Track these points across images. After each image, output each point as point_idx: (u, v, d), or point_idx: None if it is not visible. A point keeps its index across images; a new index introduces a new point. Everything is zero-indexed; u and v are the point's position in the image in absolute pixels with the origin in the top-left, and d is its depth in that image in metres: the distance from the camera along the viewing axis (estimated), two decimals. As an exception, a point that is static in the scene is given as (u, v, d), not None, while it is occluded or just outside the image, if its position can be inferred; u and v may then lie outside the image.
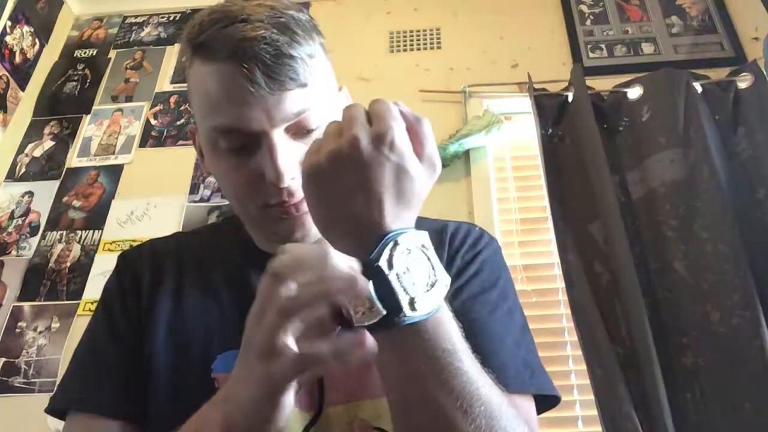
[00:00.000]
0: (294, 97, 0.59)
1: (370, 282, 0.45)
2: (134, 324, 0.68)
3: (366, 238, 0.48)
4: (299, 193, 0.61)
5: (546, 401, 0.66)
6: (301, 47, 0.60)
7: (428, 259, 0.49)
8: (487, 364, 0.57)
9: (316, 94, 0.61)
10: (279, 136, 0.59)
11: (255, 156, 0.61)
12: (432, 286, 0.48)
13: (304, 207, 0.62)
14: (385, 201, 0.49)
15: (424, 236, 0.50)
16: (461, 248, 0.71)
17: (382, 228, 0.49)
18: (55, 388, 0.69)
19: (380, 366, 0.53)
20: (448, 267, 0.68)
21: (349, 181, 0.49)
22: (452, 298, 0.65)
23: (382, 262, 0.46)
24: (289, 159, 0.59)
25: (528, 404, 0.63)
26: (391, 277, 0.46)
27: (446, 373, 0.48)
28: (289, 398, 0.44)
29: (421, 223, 0.77)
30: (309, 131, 0.62)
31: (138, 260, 0.73)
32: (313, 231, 0.64)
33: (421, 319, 0.47)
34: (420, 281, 0.47)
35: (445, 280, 0.49)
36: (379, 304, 0.45)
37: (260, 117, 0.58)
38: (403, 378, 0.50)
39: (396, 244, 0.47)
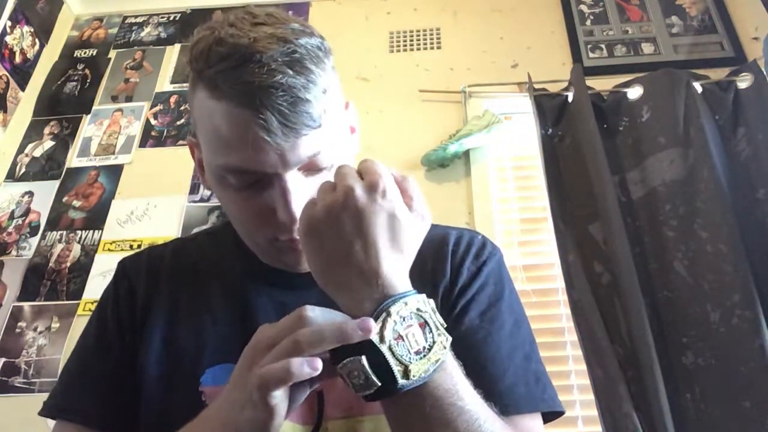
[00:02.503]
0: (308, 140, 0.57)
1: (362, 358, 0.48)
2: (126, 335, 0.68)
3: (366, 291, 0.51)
4: None
5: (551, 414, 0.66)
6: (316, 86, 0.57)
7: (425, 322, 0.51)
8: (498, 383, 0.61)
9: (330, 132, 0.59)
10: (292, 177, 0.58)
11: (266, 192, 0.59)
12: (429, 349, 0.50)
13: None
14: (380, 247, 0.51)
15: (419, 300, 0.51)
16: (465, 260, 0.70)
17: (378, 280, 0.51)
18: (49, 393, 0.70)
19: (385, 408, 0.53)
20: (452, 279, 0.68)
21: (347, 230, 0.51)
22: (461, 314, 0.66)
23: (374, 336, 0.48)
24: (302, 199, 0.57)
25: (537, 423, 0.63)
26: (383, 349, 0.48)
27: (449, 413, 0.50)
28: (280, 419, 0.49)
29: None
30: (321, 170, 0.61)
31: (135, 269, 0.73)
32: None
33: (417, 384, 0.49)
34: (414, 348, 0.49)
35: (443, 339, 0.51)
36: (373, 377, 0.48)
37: (274, 161, 0.57)
38: (408, 419, 0.52)
39: (388, 314, 0.49)
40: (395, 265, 0.52)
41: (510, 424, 0.57)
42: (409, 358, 0.49)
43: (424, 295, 0.52)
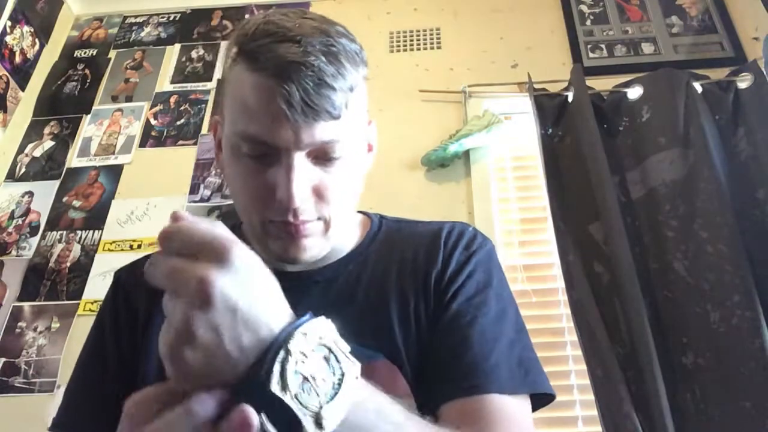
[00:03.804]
0: (325, 127, 0.59)
1: (262, 413, 0.38)
2: (126, 347, 0.68)
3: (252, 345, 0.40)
4: (304, 216, 0.62)
5: (542, 399, 0.67)
6: (345, 80, 0.60)
7: (329, 351, 0.42)
8: (481, 366, 0.61)
9: (347, 127, 0.61)
10: (300, 159, 0.60)
11: (272, 169, 0.61)
12: (339, 385, 0.41)
13: (305, 231, 0.62)
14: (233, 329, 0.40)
15: (317, 325, 0.42)
16: (456, 249, 0.71)
17: (261, 332, 0.40)
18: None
19: None
20: (443, 267, 0.70)
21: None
22: (450, 300, 0.67)
23: (275, 386, 0.38)
24: (304, 183, 0.60)
25: (520, 406, 0.63)
26: (287, 400, 0.38)
27: None
28: None
29: (416, 227, 0.76)
30: (331, 159, 0.62)
31: (132, 279, 0.73)
32: (307, 255, 0.64)
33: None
34: (323, 389, 0.40)
35: (352, 368, 0.43)
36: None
37: (288, 137, 0.59)
38: None
39: (288, 353, 0.39)
40: (263, 311, 0.41)
41: (489, 403, 0.59)
42: (319, 403, 0.39)
43: (321, 317, 0.43)
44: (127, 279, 0.74)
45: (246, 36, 0.61)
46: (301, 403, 0.39)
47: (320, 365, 0.41)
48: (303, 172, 0.60)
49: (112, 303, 0.72)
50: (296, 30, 0.59)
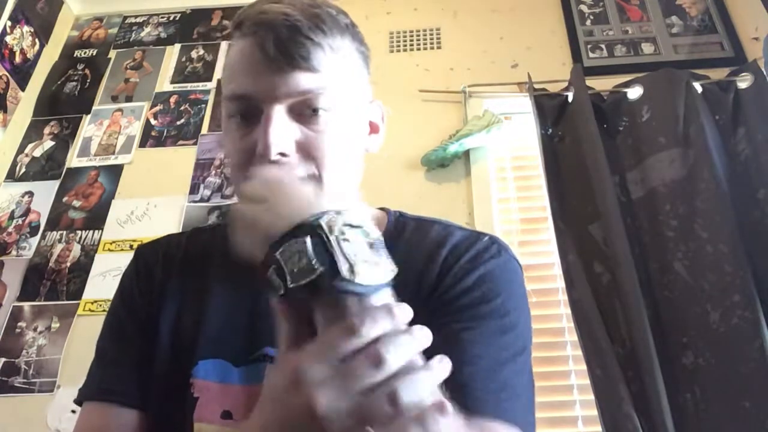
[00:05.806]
0: (302, 77, 0.59)
1: (307, 238, 0.43)
2: (147, 307, 0.69)
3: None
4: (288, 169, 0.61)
5: None
6: (324, 36, 0.60)
7: (373, 244, 0.45)
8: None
9: (330, 86, 0.61)
10: (278, 111, 0.60)
11: (256, 128, 0.61)
12: (376, 264, 0.44)
13: None
14: None
15: (370, 227, 0.46)
16: (457, 262, 0.65)
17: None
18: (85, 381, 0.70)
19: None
20: (437, 280, 0.64)
21: None
22: (440, 315, 0.60)
23: (323, 222, 0.43)
24: (282, 134, 0.59)
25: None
26: (332, 238, 0.43)
27: None
28: None
29: (429, 231, 0.70)
30: (313, 113, 0.61)
31: (152, 255, 0.74)
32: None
33: (363, 291, 0.43)
34: (361, 255, 0.43)
35: (389, 265, 0.45)
36: (316, 260, 0.42)
37: (265, 88, 0.60)
38: None
39: (338, 213, 0.44)
40: None
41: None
42: (356, 258, 0.43)
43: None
44: (149, 253, 0.75)
45: (239, 15, 0.64)
46: (341, 248, 0.42)
47: (364, 245, 0.44)
48: (282, 123, 0.60)
49: (135, 274, 0.73)
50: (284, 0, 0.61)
